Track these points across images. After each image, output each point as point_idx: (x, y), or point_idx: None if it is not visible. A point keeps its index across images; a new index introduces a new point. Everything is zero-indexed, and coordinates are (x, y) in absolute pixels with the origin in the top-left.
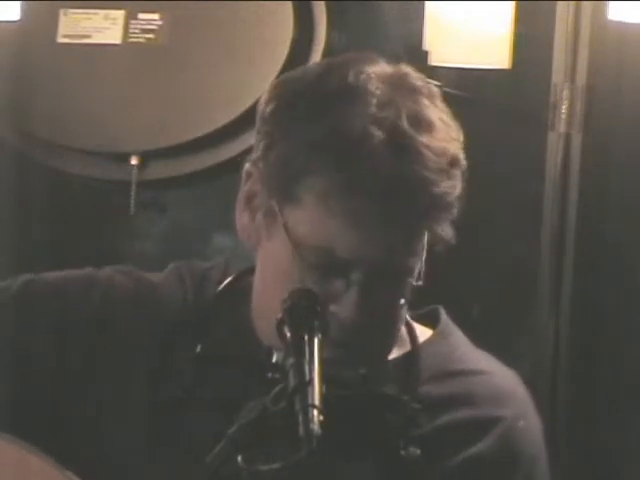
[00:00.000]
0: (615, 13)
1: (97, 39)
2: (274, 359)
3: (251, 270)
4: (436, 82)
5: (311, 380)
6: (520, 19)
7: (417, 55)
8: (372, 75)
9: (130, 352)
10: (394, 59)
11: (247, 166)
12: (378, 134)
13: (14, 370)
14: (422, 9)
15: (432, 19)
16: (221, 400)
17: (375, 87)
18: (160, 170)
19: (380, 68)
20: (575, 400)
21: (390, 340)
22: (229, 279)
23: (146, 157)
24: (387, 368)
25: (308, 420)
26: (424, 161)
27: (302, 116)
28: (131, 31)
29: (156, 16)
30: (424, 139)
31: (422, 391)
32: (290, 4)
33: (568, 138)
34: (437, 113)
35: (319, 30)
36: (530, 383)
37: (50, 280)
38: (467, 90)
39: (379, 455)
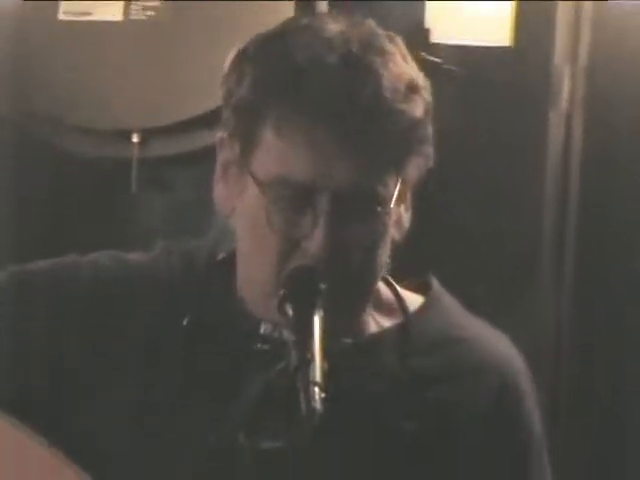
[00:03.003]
0: None
1: (98, 16)
2: (262, 330)
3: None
4: (437, 59)
5: (313, 357)
6: None
7: (418, 32)
8: (327, 20)
9: (122, 331)
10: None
11: (219, 133)
12: (330, 57)
13: (10, 360)
14: None
15: None
16: (212, 373)
17: (329, 25)
18: (161, 147)
19: (338, 19)
20: (578, 378)
21: (366, 284)
22: (220, 256)
23: (147, 134)
24: (378, 339)
25: (310, 397)
26: (378, 81)
27: (253, 57)
28: (132, 8)
29: None
30: (377, 60)
31: (416, 362)
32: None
33: (569, 117)
34: (394, 48)
35: None
36: (532, 359)
37: (36, 269)
38: (468, 68)
39: (375, 429)
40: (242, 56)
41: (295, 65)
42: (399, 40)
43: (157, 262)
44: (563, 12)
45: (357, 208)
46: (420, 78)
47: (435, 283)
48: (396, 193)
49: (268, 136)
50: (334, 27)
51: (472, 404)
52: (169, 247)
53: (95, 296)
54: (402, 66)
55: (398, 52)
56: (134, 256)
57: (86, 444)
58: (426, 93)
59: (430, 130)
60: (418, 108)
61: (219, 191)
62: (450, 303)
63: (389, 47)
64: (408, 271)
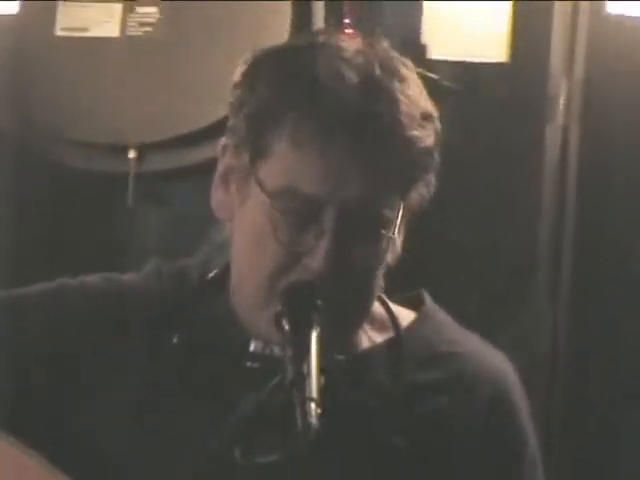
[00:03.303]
0: (613, 6)
1: (95, 32)
2: (252, 348)
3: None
4: (434, 75)
5: (309, 373)
6: (518, 13)
7: (415, 48)
8: (342, 37)
9: (114, 351)
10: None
11: (222, 140)
12: (350, 76)
13: (6, 379)
14: (421, 3)
15: (430, 13)
16: (203, 390)
17: (346, 44)
18: (158, 162)
19: (353, 37)
20: (573, 390)
21: (363, 303)
22: (212, 273)
23: (144, 150)
24: (371, 354)
25: (306, 413)
26: (397, 105)
27: (268, 68)
28: (129, 24)
29: (154, 9)
30: (397, 86)
31: (408, 377)
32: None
33: (566, 130)
34: (409, 73)
35: (317, 26)
36: (528, 372)
37: (27, 294)
38: (465, 83)
39: (368, 443)
40: (257, 66)
41: (314, 80)
42: (410, 64)
43: (148, 282)
44: (559, 27)
45: (362, 228)
46: (432, 107)
47: (427, 298)
48: (399, 218)
49: (282, 146)
50: (351, 45)
51: (465, 417)
52: (160, 267)
53: (85, 316)
54: (418, 94)
55: (413, 78)
56: (125, 277)
57: (81, 460)
58: (437, 122)
59: (437, 159)
60: (430, 137)
61: (219, 197)
62: (443, 318)
63: (406, 72)
64: (404, 284)
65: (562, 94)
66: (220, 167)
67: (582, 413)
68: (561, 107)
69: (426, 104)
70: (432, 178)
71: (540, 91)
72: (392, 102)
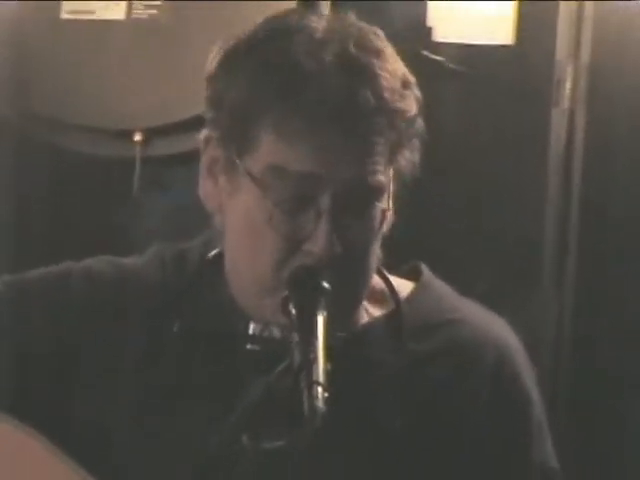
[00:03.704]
0: None
1: (100, 15)
2: (251, 330)
3: None
4: (440, 57)
5: (316, 357)
6: None
7: (421, 31)
8: (312, 17)
9: (117, 335)
10: (398, 35)
11: (204, 132)
12: (325, 56)
13: (9, 364)
14: None
15: None
16: (207, 375)
17: (316, 24)
18: (163, 147)
19: (321, 16)
20: (577, 379)
21: (365, 277)
22: (206, 257)
23: (149, 134)
24: (371, 328)
25: (313, 397)
26: (376, 80)
27: (244, 57)
28: (134, 7)
29: None
30: (375, 62)
31: (410, 347)
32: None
33: (572, 114)
34: (383, 45)
35: None
36: (533, 360)
37: (30, 278)
38: (471, 66)
39: (371, 419)
40: (232, 57)
41: (293, 66)
42: (381, 33)
43: (150, 267)
44: (565, 10)
45: (357, 204)
46: (408, 73)
47: (425, 269)
48: (391, 187)
49: (268, 138)
50: (322, 25)
51: (469, 383)
52: (162, 250)
53: (89, 302)
54: (394, 64)
55: (389, 49)
56: (127, 260)
57: (84, 446)
58: (415, 88)
59: (421, 124)
60: (412, 105)
61: (207, 189)
62: (441, 287)
63: (380, 44)
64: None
65: (568, 78)
66: (205, 159)
67: (587, 400)
68: (567, 91)
69: (404, 73)
70: (417, 142)
71: (546, 74)
72: (372, 78)
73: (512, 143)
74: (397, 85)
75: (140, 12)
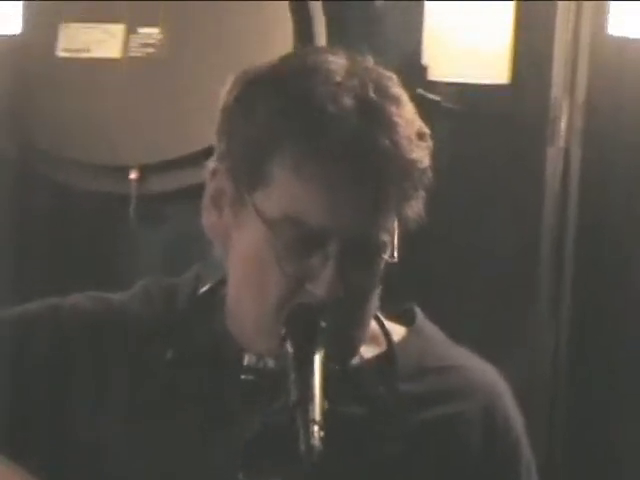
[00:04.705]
0: (615, 28)
1: (97, 53)
2: (245, 361)
3: (224, 280)
4: (435, 96)
5: (312, 396)
6: (519, 34)
7: (416, 70)
8: (331, 58)
9: (106, 369)
10: (393, 73)
11: (211, 164)
12: (346, 100)
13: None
14: (421, 23)
15: (431, 34)
16: (198, 405)
17: (335, 65)
18: (159, 183)
19: (340, 56)
20: (573, 409)
21: (363, 323)
22: (204, 288)
23: (145, 170)
24: (364, 367)
25: (309, 435)
26: (394, 128)
27: (264, 94)
28: (131, 45)
29: (156, 30)
30: (393, 109)
31: (400, 389)
32: (290, 17)
33: (567, 153)
34: (400, 91)
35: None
36: (529, 392)
37: (15, 315)
38: (466, 105)
39: (362, 455)
40: (251, 91)
41: (314, 107)
42: (395, 78)
43: (136, 299)
44: (560, 47)
45: (363, 256)
46: (423, 124)
47: (419, 314)
48: (396, 239)
49: (283, 175)
50: (342, 67)
51: (458, 427)
52: (148, 284)
53: (74, 336)
54: (411, 113)
55: (404, 97)
56: (115, 296)
57: (79, 475)
58: (429, 140)
59: (430, 176)
60: (426, 156)
61: (212, 220)
62: (433, 333)
63: (397, 91)
64: (402, 294)
65: (563, 116)
66: (210, 190)
67: (584, 433)
68: (562, 129)
69: (419, 123)
70: (423, 193)
71: (541, 113)
72: (390, 126)
73: (507, 181)
74: (413, 135)
75: (136, 50)
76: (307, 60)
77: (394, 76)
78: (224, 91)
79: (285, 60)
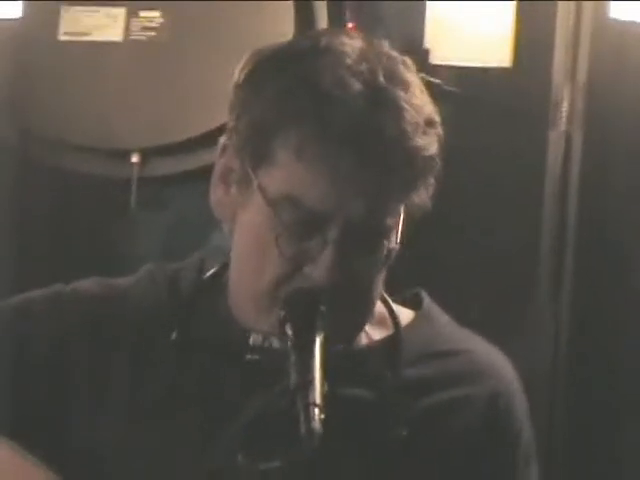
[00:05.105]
0: (616, 11)
1: (98, 36)
2: (251, 341)
3: (228, 265)
4: (436, 80)
5: (312, 379)
6: (521, 18)
7: (418, 53)
8: (346, 40)
9: (107, 356)
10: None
11: (222, 139)
12: (354, 84)
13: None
14: (423, 7)
15: (433, 17)
16: (203, 386)
17: (348, 48)
18: (161, 167)
19: (355, 39)
20: (573, 402)
21: (366, 309)
22: (209, 273)
23: (147, 154)
24: (370, 349)
25: (309, 418)
26: (402, 114)
27: (273, 73)
28: (132, 29)
29: (157, 14)
30: (401, 94)
31: (406, 373)
32: (291, 3)
33: (569, 136)
34: (412, 77)
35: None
36: (528, 384)
37: (19, 301)
38: (468, 88)
39: (365, 437)
40: (262, 69)
41: (320, 89)
42: (411, 64)
43: (140, 283)
44: (561, 32)
45: (365, 241)
46: (435, 112)
47: (426, 298)
48: (401, 225)
49: (286, 156)
50: (354, 50)
51: (463, 412)
52: (153, 269)
53: (82, 325)
54: (421, 99)
55: (416, 83)
56: (119, 281)
57: (82, 461)
58: (439, 127)
59: (438, 163)
60: (433, 143)
61: (218, 197)
62: (441, 317)
63: (409, 77)
64: (403, 290)
65: (565, 100)
66: (219, 167)
67: (584, 432)
68: (564, 113)
69: (429, 110)
70: (431, 180)
71: (543, 97)
72: (397, 112)
73: (508, 165)
74: (420, 121)
75: (138, 33)
76: (321, 41)
77: (409, 61)
78: (238, 68)
79: (299, 40)
